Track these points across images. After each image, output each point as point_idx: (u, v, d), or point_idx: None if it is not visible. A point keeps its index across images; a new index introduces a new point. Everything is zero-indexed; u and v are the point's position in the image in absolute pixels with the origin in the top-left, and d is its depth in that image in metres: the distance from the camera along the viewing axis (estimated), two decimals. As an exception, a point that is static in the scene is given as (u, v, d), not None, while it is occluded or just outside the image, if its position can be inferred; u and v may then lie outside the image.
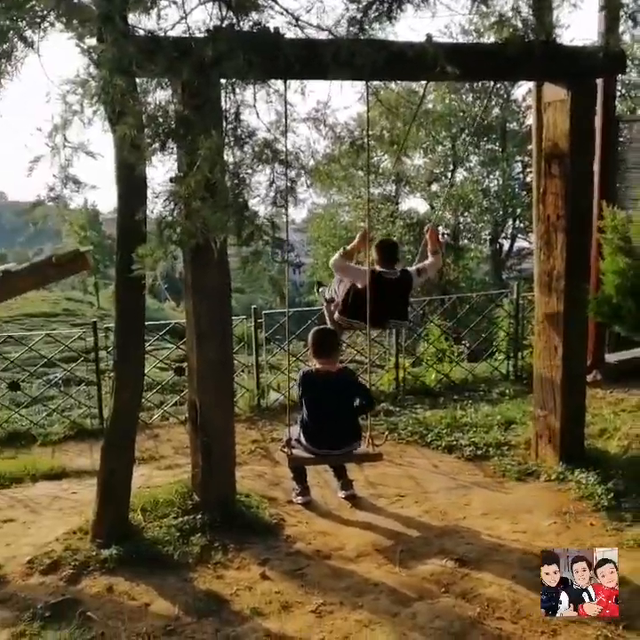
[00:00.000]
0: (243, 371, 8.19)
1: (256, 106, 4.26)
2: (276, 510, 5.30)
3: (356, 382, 5.60)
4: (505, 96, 18.50)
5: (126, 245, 4.20)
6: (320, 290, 7.02)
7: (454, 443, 6.55)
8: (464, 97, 18.96)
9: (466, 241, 21.32)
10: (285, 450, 5.36)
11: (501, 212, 20.51)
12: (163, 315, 32.27)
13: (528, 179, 18.85)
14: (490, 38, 5.09)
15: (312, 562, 4.60)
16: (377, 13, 3.70)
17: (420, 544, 4.77)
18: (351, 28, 3.78)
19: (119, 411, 4.71)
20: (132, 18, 3.76)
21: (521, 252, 21.30)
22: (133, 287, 4.26)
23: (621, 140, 7.96)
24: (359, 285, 5.94)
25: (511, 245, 21.58)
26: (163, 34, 3.81)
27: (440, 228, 21.03)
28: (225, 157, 3.71)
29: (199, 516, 4.89)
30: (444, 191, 20.07)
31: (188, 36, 3.67)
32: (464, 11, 4.48)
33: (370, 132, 6.43)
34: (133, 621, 3.94)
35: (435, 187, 20.68)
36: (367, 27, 3.78)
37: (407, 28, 4.59)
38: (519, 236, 21.09)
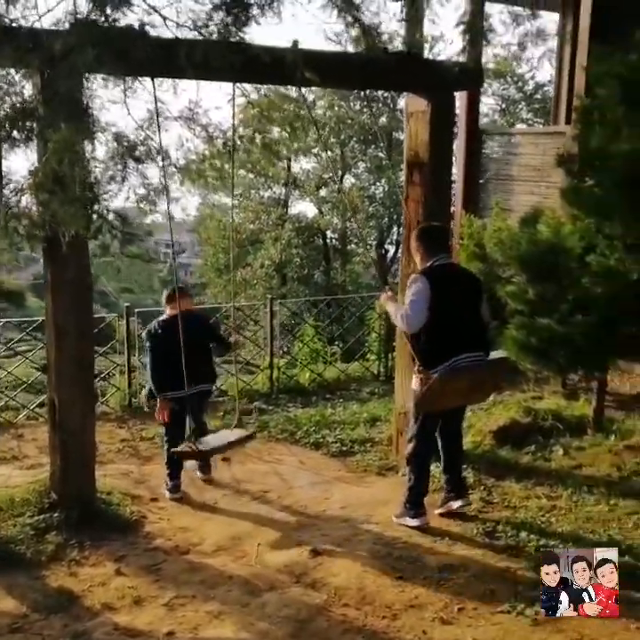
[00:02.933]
0: (115, 370, 8.09)
1: (127, 102, 4.28)
2: (139, 508, 5.30)
3: (212, 326, 5.99)
4: (391, 105, 18.97)
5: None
6: None
7: (322, 440, 6.70)
8: (352, 105, 19.33)
9: (353, 246, 21.65)
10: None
11: (386, 219, 20.98)
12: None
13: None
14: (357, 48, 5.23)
15: (169, 557, 4.64)
16: (231, 18, 3.76)
17: (278, 537, 4.88)
18: (207, 30, 3.83)
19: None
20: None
21: (405, 258, 21.84)
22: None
23: (484, 152, 8.37)
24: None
25: (396, 251, 22.11)
26: (12, 23, 3.74)
27: (328, 232, 21.31)
28: (82, 151, 3.70)
29: (56, 514, 4.85)
30: (333, 196, 20.35)
31: (39, 27, 3.64)
32: (330, 21, 4.60)
33: (243, 134, 6.53)
34: (-23, 620, 3.88)
35: (323, 191, 20.95)
36: (222, 30, 3.83)
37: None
38: (403, 242, 21.65)
